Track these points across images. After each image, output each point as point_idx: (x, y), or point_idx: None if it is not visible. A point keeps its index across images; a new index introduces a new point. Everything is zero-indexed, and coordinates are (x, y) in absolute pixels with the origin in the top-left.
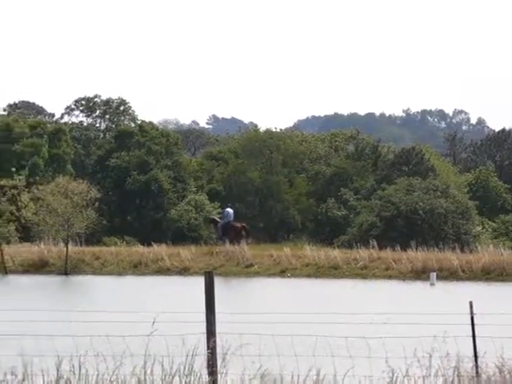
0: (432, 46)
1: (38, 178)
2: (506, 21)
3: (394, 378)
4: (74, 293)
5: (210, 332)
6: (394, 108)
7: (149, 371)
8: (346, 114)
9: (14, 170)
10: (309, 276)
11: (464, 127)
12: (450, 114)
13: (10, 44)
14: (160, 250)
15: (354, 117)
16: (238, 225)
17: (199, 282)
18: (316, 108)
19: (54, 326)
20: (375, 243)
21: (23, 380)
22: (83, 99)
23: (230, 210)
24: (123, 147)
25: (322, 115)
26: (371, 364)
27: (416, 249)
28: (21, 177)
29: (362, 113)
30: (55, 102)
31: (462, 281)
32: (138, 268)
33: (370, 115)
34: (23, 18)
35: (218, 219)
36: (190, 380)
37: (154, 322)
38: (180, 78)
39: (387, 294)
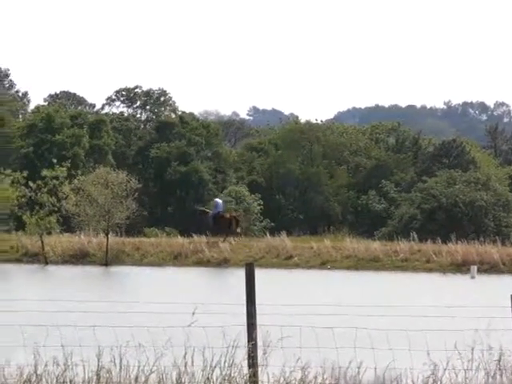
0: (474, 38)
1: (78, 168)
2: None
3: (436, 371)
4: (114, 284)
5: (251, 324)
6: (435, 100)
7: (189, 362)
8: (386, 106)
9: (54, 160)
10: (349, 268)
11: (505, 120)
12: (492, 107)
13: (51, 35)
14: (200, 241)
15: (394, 109)
16: (228, 215)
17: (239, 273)
18: (357, 100)
19: (94, 317)
20: (415, 236)
21: (64, 370)
22: (124, 90)
23: (219, 201)
24: (164, 138)
25: (362, 107)
26: (412, 357)
27: (456, 242)
28: (62, 168)
29: (403, 105)
30: (96, 93)
31: (503, 274)
32: (178, 259)
33: (411, 107)
34: (64, 9)
35: (208, 210)
36: (230, 372)
37: (193, 313)
38: (221, 69)
39: (428, 287)
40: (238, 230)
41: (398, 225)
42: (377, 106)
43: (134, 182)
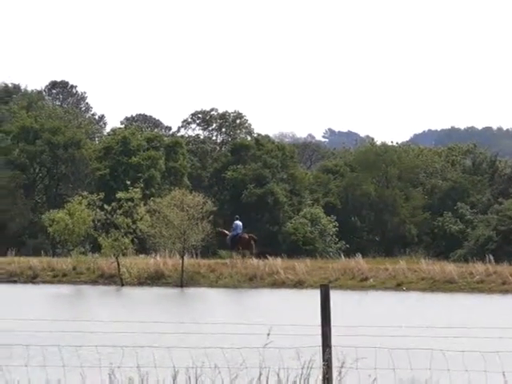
0: None
1: (154, 190)
2: None
3: None
4: (189, 305)
5: (326, 344)
6: None
7: (264, 383)
8: (462, 128)
9: (129, 182)
10: (424, 290)
11: None
12: None
13: (128, 58)
14: (275, 262)
15: (471, 130)
16: (247, 236)
17: (314, 295)
18: (432, 122)
19: (170, 338)
20: (491, 257)
21: None
22: (200, 112)
23: (238, 223)
24: (239, 160)
25: (438, 129)
26: (487, 378)
27: None
28: (137, 189)
29: (479, 126)
30: (172, 115)
31: None
32: (253, 281)
33: (488, 129)
34: (138, 31)
35: (227, 232)
36: None
37: (268, 334)
38: (297, 91)
39: (503, 309)
40: (255, 250)
41: (473, 246)
42: (452, 128)
43: (209, 204)
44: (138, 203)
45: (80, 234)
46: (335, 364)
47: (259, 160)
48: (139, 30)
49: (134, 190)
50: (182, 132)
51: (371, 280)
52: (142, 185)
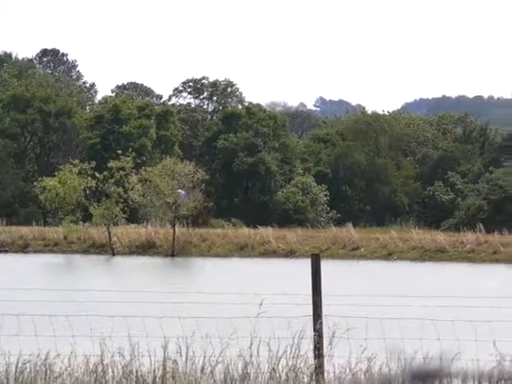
0: None
1: (145, 159)
2: None
3: (502, 361)
4: (180, 274)
5: (317, 314)
6: (503, 90)
7: (255, 353)
8: (454, 97)
9: (120, 151)
10: (415, 259)
11: None
12: None
13: (118, 26)
14: (266, 232)
15: (462, 99)
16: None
17: (305, 264)
18: (424, 90)
19: (160, 308)
20: (482, 227)
21: (130, 361)
22: (191, 81)
23: (181, 192)
24: (230, 129)
25: (429, 98)
26: (478, 347)
27: None
28: (128, 158)
29: (470, 95)
30: (163, 84)
31: None
32: (244, 250)
33: (479, 98)
34: (131, 0)
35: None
36: (296, 363)
37: (261, 304)
38: (288, 59)
39: (494, 278)
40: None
41: (464, 216)
42: (444, 97)
43: (200, 173)
44: (130, 172)
45: (71, 203)
46: (326, 334)
47: (250, 129)
48: None
49: (126, 159)
50: (173, 101)
51: (362, 249)
52: (134, 154)
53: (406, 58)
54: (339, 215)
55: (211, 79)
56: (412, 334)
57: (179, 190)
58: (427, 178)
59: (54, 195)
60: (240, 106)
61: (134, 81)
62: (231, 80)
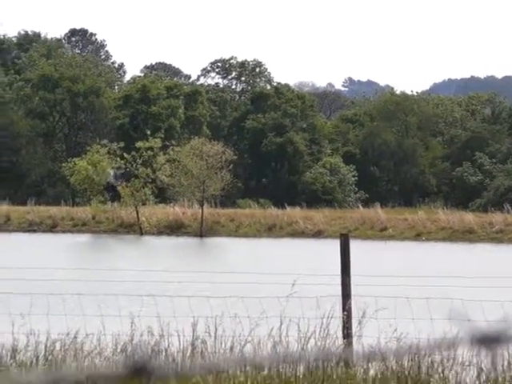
0: None
1: (173, 139)
2: None
3: None
4: (209, 254)
5: (346, 295)
6: None
7: (284, 333)
8: (482, 77)
9: (148, 132)
10: (443, 240)
11: None
12: None
13: (147, 6)
14: (294, 212)
15: (490, 80)
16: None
17: (334, 244)
18: (452, 71)
19: (190, 288)
20: (510, 207)
21: (159, 340)
22: (219, 61)
23: (110, 172)
24: (259, 109)
25: (458, 78)
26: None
27: None
28: (156, 139)
29: (499, 76)
30: (191, 64)
31: None
32: (272, 230)
33: (508, 78)
34: None
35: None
36: (325, 342)
37: (293, 284)
38: (317, 40)
39: None
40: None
41: (492, 196)
42: (472, 77)
43: (228, 153)
44: (158, 153)
45: (100, 183)
46: (355, 314)
47: (279, 109)
48: None
49: (154, 139)
50: (202, 81)
51: (390, 230)
52: (162, 135)
53: (435, 39)
54: (367, 196)
55: (239, 59)
56: (441, 314)
57: (108, 170)
58: (455, 158)
59: (84, 177)
60: (268, 87)
61: (162, 61)
62: (259, 60)
